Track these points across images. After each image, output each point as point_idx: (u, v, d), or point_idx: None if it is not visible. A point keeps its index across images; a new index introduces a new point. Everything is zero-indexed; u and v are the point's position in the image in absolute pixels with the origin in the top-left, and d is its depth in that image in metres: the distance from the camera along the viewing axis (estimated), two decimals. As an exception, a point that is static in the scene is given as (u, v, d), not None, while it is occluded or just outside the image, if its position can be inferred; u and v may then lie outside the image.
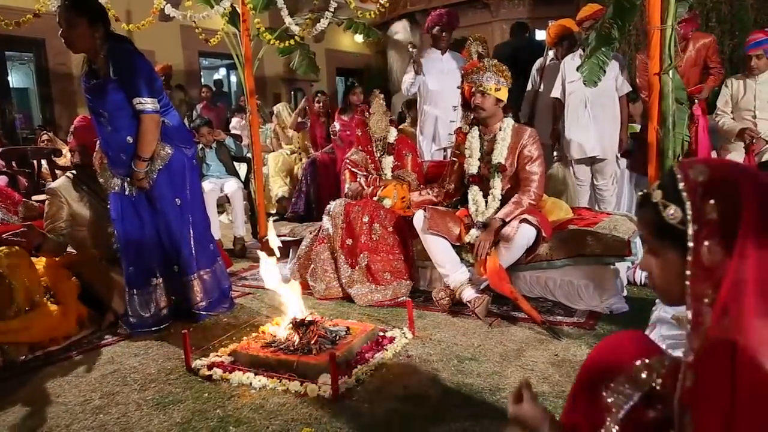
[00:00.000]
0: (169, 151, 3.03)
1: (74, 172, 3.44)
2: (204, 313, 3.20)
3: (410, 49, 4.89)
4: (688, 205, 0.93)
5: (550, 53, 4.99)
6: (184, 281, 3.15)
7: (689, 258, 0.92)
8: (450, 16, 5.00)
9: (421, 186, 3.94)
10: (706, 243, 0.91)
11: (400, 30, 5.04)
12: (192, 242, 3.15)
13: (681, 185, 0.94)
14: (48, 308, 2.90)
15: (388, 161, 3.97)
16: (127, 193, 3.04)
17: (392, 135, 4.02)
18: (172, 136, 3.06)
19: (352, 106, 5.91)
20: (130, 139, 2.91)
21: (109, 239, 3.31)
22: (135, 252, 3.07)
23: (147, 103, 2.87)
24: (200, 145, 5.44)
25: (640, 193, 1.05)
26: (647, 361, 1.06)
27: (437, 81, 4.83)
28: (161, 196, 3.04)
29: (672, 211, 0.95)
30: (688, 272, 0.92)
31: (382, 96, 4.07)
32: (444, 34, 4.88)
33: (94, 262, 3.25)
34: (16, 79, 10.69)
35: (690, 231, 0.92)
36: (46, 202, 3.36)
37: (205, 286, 3.21)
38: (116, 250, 3.22)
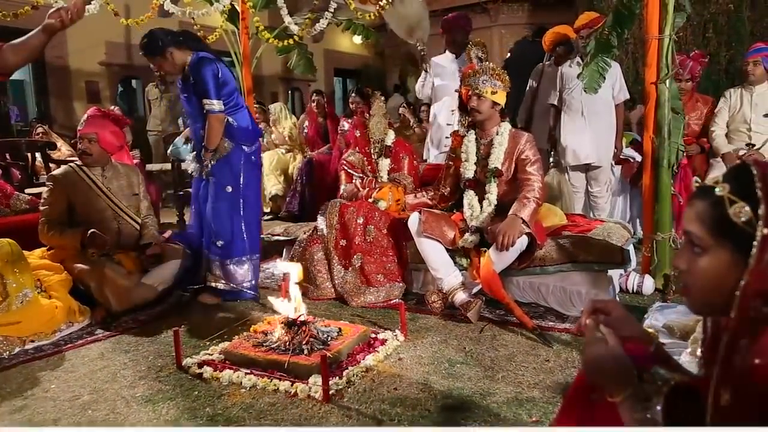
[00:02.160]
0: (228, 147, 3.40)
1: (78, 162, 3.42)
2: (251, 292, 3.48)
3: (419, 48, 4.88)
4: (762, 206, 0.84)
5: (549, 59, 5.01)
6: (235, 261, 3.45)
7: (750, 264, 0.84)
8: (460, 19, 5.00)
9: (417, 189, 3.94)
10: None
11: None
12: (243, 227, 3.47)
13: (759, 184, 0.85)
14: (39, 303, 2.89)
15: (385, 163, 3.96)
16: (202, 176, 3.48)
17: (390, 137, 4.01)
18: (234, 135, 3.43)
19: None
20: (202, 132, 3.39)
21: (107, 232, 3.31)
22: (202, 226, 3.54)
23: (213, 105, 3.28)
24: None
25: (697, 183, 0.97)
26: (655, 371, 0.99)
27: (451, 84, 4.82)
28: (216, 182, 3.42)
29: (741, 209, 0.85)
30: (743, 280, 0.85)
31: (382, 98, 4.06)
32: (456, 37, 4.87)
33: (86, 257, 3.23)
34: (11, 71, 10.61)
35: (759, 235, 0.84)
36: (46, 190, 3.36)
37: (254, 268, 3.53)
38: (91, 237, 3.25)
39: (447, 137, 4.54)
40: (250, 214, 3.53)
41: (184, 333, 2.85)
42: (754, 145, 4.13)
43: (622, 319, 1.08)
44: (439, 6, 9.88)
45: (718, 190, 0.88)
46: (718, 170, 4.28)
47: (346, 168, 4.00)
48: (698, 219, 0.92)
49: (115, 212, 3.41)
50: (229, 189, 3.41)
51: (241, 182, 3.44)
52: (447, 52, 4.98)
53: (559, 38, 4.83)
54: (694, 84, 4.51)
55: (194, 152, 3.55)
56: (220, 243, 3.42)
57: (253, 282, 3.51)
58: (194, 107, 3.38)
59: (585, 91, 3.70)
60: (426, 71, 4.84)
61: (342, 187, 3.98)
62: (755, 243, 0.84)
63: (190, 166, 3.58)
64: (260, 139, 3.79)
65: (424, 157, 5.12)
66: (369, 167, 3.98)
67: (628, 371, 0.98)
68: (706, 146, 4.45)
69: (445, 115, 4.85)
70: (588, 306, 1.11)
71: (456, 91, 3.41)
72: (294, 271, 2.61)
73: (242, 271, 3.44)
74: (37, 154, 5.56)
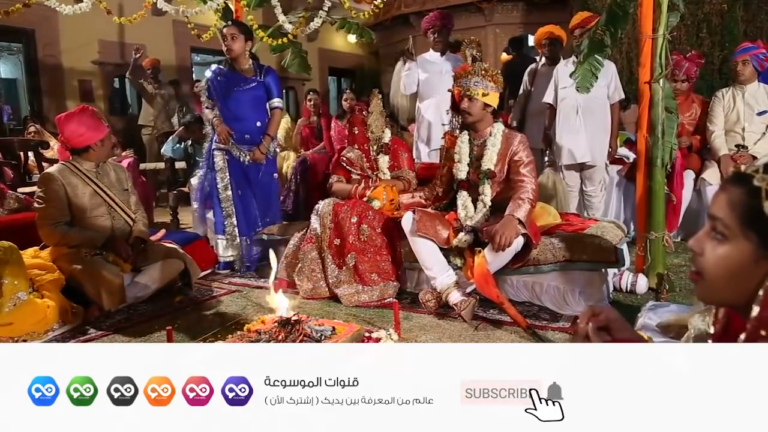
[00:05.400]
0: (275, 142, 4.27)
1: (69, 161, 3.38)
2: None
3: (407, 47, 4.87)
4: None
5: (543, 58, 5.03)
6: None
7: None
8: (444, 18, 5.01)
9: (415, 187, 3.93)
10: None
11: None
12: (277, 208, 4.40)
13: None
14: (32, 303, 2.87)
15: (384, 160, 3.94)
16: (246, 161, 4.08)
17: (387, 135, 4.00)
18: None
19: (348, 110, 5.91)
20: (259, 123, 4.10)
21: (104, 229, 3.30)
22: (244, 207, 4.16)
23: (279, 103, 4.22)
24: (190, 141, 5.41)
25: (733, 169, 0.96)
26: None
27: (434, 83, 4.82)
28: (268, 170, 4.22)
29: None
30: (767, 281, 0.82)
31: (380, 96, 4.05)
32: (439, 36, 4.88)
33: (79, 256, 3.21)
34: (4, 70, 10.57)
35: None
36: (41, 189, 3.26)
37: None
38: (108, 240, 3.29)
39: (442, 137, 4.53)
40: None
41: (177, 332, 2.84)
42: (745, 147, 4.15)
43: (620, 325, 1.09)
44: (433, 5, 9.88)
45: (757, 180, 0.86)
46: (711, 170, 4.29)
47: (344, 164, 3.98)
48: (729, 205, 0.89)
49: (109, 208, 3.38)
50: (275, 176, 4.31)
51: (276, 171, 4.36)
52: (431, 50, 4.99)
53: (544, 36, 4.87)
54: (690, 84, 4.53)
55: (232, 141, 4.06)
56: (267, 221, 4.20)
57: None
58: (253, 102, 4.08)
59: (577, 90, 3.71)
60: (408, 61, 4.82)
61: (332, 179, 3.98)
62: None
63: (235, 151, 4.07)
64: None
65: (414, 156, 5.13)
66: (368, 164, 3.96)
67: None
68: (697, 144, 4.47)
69: (432, 112, 4.85)
70: (586, 312, 1.11)
71: (449, 90, 3.39)
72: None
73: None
74: (30, 153, 5.53)
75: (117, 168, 3.61)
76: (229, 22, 4.14)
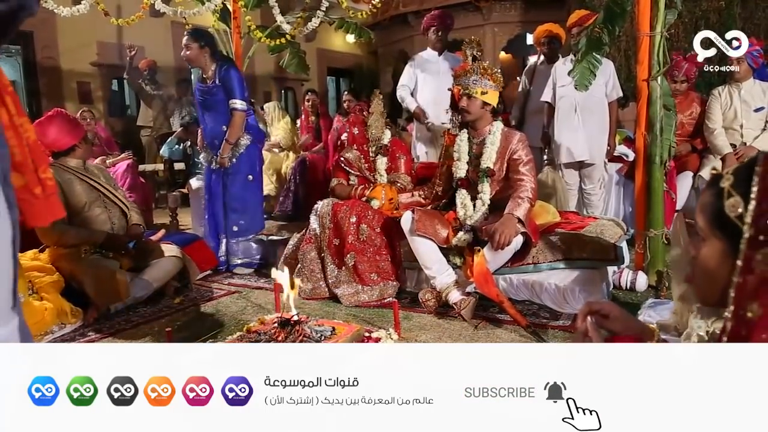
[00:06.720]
0: (247, 141, 4.08)
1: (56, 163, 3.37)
2: (258, 261, 4.21)
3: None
4: (752, 204, 0.82)
5: (542, 57, 5.03)
6: (249, 239, 4.19)
7: (738, 263, 0.82)
8: (444, 17, 5.01)
9: (413, 188, 3.93)
10: (760, 253, 0.80)
11: None
12: (260, 209, 4.33)
13: (755, 179, 0.83)
14: (30, 306, 2.86)
15: (382, 162, 3.94)
16: (214, 166, 4.08)
17: (386, 137, 3.99)
18: (252, 132, 4.15)
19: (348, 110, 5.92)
20: (224, 128, 4.00)
21: (101, 225, 3.31)
22: (213, 212, 4.19)
23: (238, 104, 3.95)
24: (189, 142, 5.42)
25: (713, 171, 0.95)
26: None
27: (432, 82, 4.83)
28: (238, 172, 4.09)
29: (735, 204, 0.84)
30: (735, 278, 0.83)
31: (381, 96, 4.04)
32: (439, 35, 4.89)
33: (78, 256, 3.20)
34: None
35: (746, 234, 0.82)
36: None
37: (263, 243, 4.26)
38: (107, 238, 3.29)
39: (442, 135, 4.53)
40: (261, 198, 4.42)
41: (177, 333, 2.84)
42: (744, 143, 4.15)
43: (621, 318, 1.08)
44: (431, 4, 9.89)
45: (722, 182, 0.88)
46: (709, 168, 4.29)
47: (343, 165, 3.98)
48: (701, 207, 0.92)
49: (105, 200, 3.38)
50: (251, 178, 4.15)
51: (257, 172, 4.22)
52: (429, 49, 4.98)
53: (542, 34, 4.86)
54: (689, 85, 4.52)
55: (205, 147, 4.17)
56: (241, 223, 4.12)
57: (261, 253, 4.24)
58: (216, 106, 4.00)
59: (576, 88, 3.71)
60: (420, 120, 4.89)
61: (333, 181, 3.97)
62: (743, 241, 0.82)
63: (207, 157, 4.14)
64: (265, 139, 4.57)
65: (412, 156, 5.13)
66: (366, 165, 3.96)
67: None
68: (699, 146, 4.46)
69: (430, 111, 4.84)
70: (584, 309, 1.11)
71: (448, 89, 3.40)
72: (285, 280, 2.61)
73: (256, 246, 4.20)
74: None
75: (97, 167, 3.68)
76: (189, 32, 4.03)
